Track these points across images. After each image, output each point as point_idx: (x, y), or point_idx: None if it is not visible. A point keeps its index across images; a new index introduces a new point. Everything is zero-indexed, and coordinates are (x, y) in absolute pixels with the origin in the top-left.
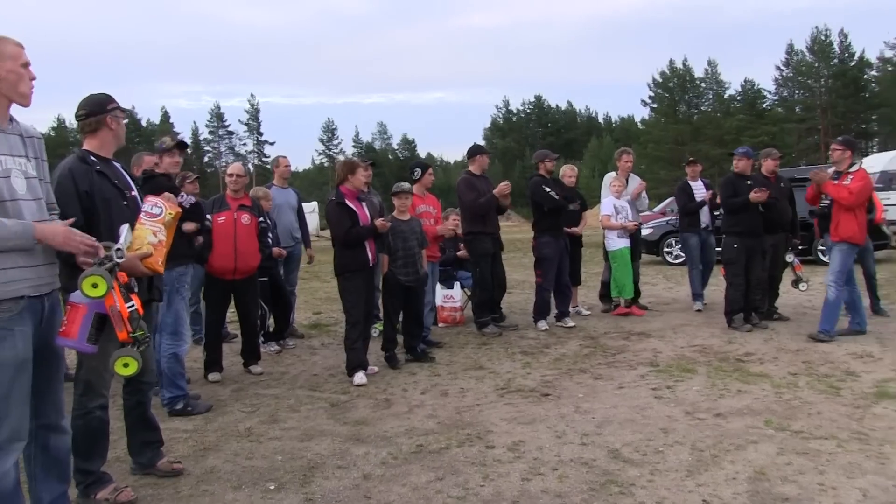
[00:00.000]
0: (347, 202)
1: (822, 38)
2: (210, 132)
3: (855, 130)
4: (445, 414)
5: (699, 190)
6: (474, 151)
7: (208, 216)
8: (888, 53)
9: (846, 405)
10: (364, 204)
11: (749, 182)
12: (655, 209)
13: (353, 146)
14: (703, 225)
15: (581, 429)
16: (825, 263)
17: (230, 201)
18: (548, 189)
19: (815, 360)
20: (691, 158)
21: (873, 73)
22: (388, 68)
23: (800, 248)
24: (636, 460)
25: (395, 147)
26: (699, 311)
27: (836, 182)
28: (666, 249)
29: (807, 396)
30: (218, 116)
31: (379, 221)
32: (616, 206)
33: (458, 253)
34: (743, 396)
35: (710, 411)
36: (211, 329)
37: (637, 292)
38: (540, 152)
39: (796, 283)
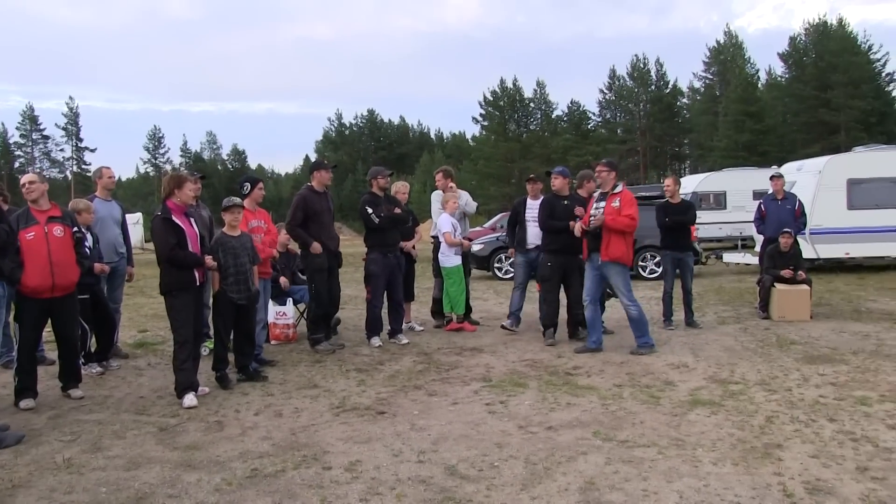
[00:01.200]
0: (174, 218)
1: (641, 65)
2: (22, 136)
3: (669, 153)
4: (280, 435)
5: (537, 208)
6: (313, 167)
7: None
8: (697, 84)
9: (665, 413)
10: (192, 219)
11: (566, 202)
12: (486, 225)
13: (181, 155)
14: (530, 245)
15: (417, 446)
16: (646, 278)
17: (37, 214)
18: (370, 210)
19: (637, 372)
20: (532, 176)
21: (685, 100)
22: (218, 76)
23: None
24: (472, 476)
25: (225, 157)
26: (505, 327)
27: (602, 203)
28: (496, 265)
29: (631, 407)
30: (31, 119)
31: (208, 260)
32: (453, 222)
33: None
34: (572, 409)
35: (541, 424)
36: (24, 352)
37: (468, 308)
38: (373, 169)
39: (612, 294)
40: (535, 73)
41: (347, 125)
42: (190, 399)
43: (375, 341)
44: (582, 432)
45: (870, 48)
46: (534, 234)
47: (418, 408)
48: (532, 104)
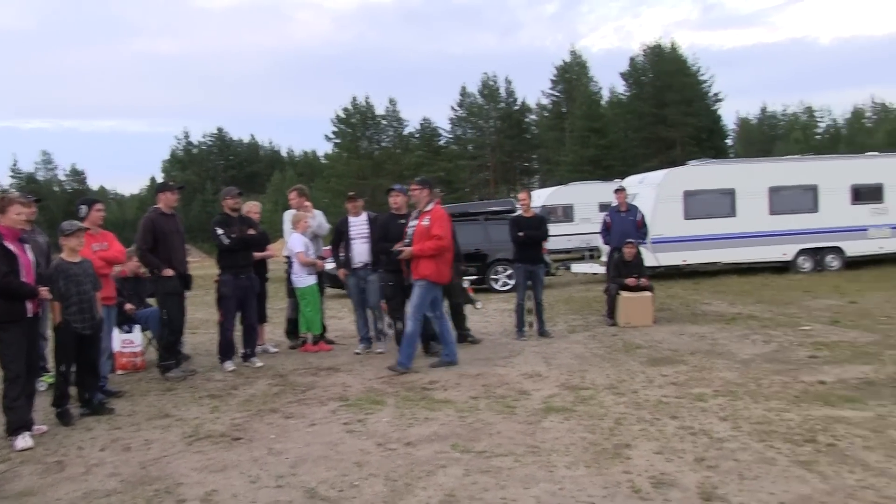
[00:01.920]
0: (6, 243)
1: (491, 83)
2: None
3: (519, 168)
4: (129, 470)
5: (360, 225)
6: (159, 189)
7: None
8: (544, 101)
9: (521, 422)
10: (27, 246)
11: (401, 221)
12: None
13: (11, 176)
14: (356, 263)
15: (275, 471)
16: (499, 291)
17: None
18: (219, 231)
19: (492, 383)
20: (351, 193)
21: (533, 117)
22: (53, 91)
23: (472, 276)
24: (333, 497)
25: (63, 178)
26: (358, 353)
27: (415, 221)
28: None
29: (487, 418)
30: None
31: (43, 292)
32: (305, 242)
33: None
34: (430, 423)
35: (400, 441)
36: None
37: (323, 327)
38: (224, 190)
39: (467, 302)
40: (387, 91)
41: (196, 144)
42: (24, 440)
43: (229, 365)
44: (440, 446)
45: (698, 70)
46: (359, 252)
47: (275, 431)
48: (384, 121)
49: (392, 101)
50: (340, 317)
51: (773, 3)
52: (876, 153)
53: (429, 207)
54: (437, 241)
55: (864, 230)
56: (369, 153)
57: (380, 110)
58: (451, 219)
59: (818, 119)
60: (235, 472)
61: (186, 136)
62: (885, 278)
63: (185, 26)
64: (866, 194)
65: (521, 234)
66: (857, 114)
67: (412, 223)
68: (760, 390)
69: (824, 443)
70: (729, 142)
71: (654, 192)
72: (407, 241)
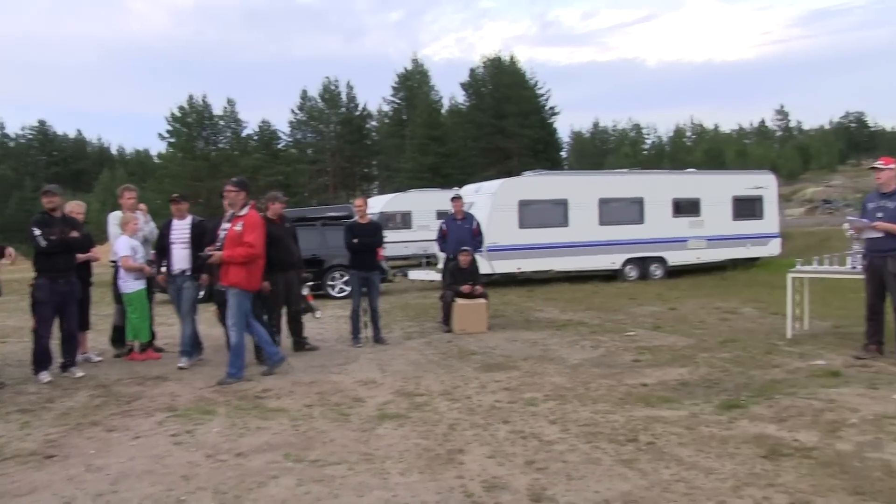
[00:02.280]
0: None
1: (332, 87)
2: None
3: (359, 174)
4: None
5: (182, 229)
6: None
7: None
8: (385, 107)
9: (355, 430)
10: None
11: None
12: None
13: None
14: (175, 270)
15: (94, 489)
16: (335, 297)
17: None
18: (37, 232)
19: (327, 391)
20: (175, 196)
21: (374, 123)
22: None
23: (311, 283)
24: None
25: None
26: (182, 367)
27: (228, 224)
28: None
29: (321, 426)
30: None
31: None
32: (132, 245)
33: None
34: (262, 433)
35: (231, 451)
36: None
37: (152, 335)
38: (44, 188)
39: (307, 311)
40: (225, 90)
41: (13, 136)
42: None
43: (44, 376)
44: (273, 455)
45: (536, 84)
46: (178, 258)
47: (95, 446)
48: (221, 122)
49: (230, 102)
50: (170, 324)
51: (606, 25)
52: (694, 170)
53: (243, 212)
54: (247, 248)
55: (684, 241)
56: (206, 154)
57: (217, 110)
58: (264, 225)
59: (645, 136)
60: (46, 494)
61: (2, 128)
62: (701, 286)
63: (1, 8)
64: (686, 208)
65: (355, 240)
66: (679, 132)
67: (224, 226)
68: (588, 393)
69: (644, 441)
70: (563, 154)
71: (490, 201)
72: (218, 244)
